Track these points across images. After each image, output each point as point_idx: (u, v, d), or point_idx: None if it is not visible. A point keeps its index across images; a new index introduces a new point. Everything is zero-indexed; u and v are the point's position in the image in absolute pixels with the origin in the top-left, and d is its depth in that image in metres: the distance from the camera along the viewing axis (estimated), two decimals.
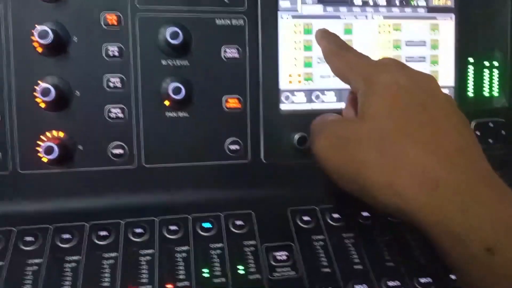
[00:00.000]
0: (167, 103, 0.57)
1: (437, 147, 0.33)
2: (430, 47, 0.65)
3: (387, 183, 0.33)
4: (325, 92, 0.62)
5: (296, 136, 0.59)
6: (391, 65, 0.40)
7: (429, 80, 0.38)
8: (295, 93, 0.62)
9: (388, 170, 0.33)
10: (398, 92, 0.36)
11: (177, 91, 0.55)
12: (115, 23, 0.56)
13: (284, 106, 0.61)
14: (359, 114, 0.38)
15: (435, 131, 0.34)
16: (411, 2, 0.63)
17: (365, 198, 0.36)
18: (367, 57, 0.42)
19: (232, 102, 0.59)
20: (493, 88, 0.67)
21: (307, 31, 0.61)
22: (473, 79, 0.66)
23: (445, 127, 0.34)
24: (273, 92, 0.60)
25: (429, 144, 0.33)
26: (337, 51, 0.44)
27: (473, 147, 0.34)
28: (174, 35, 0.54)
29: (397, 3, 0.63)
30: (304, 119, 0.60)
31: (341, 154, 0.37)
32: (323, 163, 0.40)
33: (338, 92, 0.63)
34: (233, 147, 0.59)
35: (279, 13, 0.60)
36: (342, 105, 0.63)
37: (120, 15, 0.56)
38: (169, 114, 0.58)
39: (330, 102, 0.62)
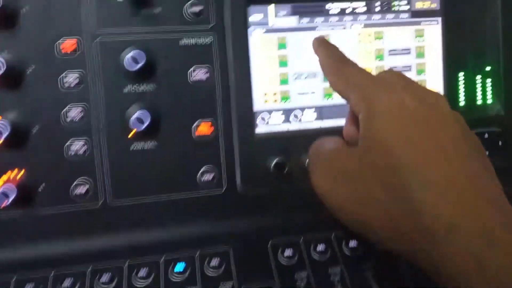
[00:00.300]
0: (132, 133, 0.52)
1: (447, 186, 0.29)
2: (416, 55, 0.60)
3: (393, 228, 0.31)
4: (304, 110, 0.58)
5: (273, 161, 0.55)
6: (395, 82, 0.36)
7: (438, 100, 0.34)
8: (272, 113, 0.57)
9: (396, 214, 0.30)
10: (403, 116, 0.32)
11: (139, 121, 0.50)
12: (73, 50, 0.51)
13: (260, 129, 0.57)
14: (360, 142, 0.34)
15: (446, 166, 0.30)
16: (393, 7, 0.59)
17: (369, 236, 0.33)
18: (367, 73, 0.38)
19: (202, 128, 0.54)
20: (486, 95, 0.62)
21: (282, 46, 0.56)
22: (464, 87, 0.62)
23: (457, 158, 0.30)
24: (247, 114, 0.56)
25: (439, 184, 0.29)
26: (335, 65, 0.40)
27: (487, 179, 0.31)
28: (134, 60, 0.49)
29: (378, 9, 0.58)
30: (282, 142, 0.56)
31: (342, 190, 0.34)
32: (323, 199, 0.36)
33: (319, 110, 0.58)
34: (206, 176, 0.55)
35: (250, 28, 0.55)
36: (323, 123, 0.58)
37: (78, 40, 0.51)
38: (136, 145, 0.53)
39: (309, 121, 0.58)
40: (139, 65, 0.49)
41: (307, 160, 0.40)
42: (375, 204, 0.32)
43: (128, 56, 0.49)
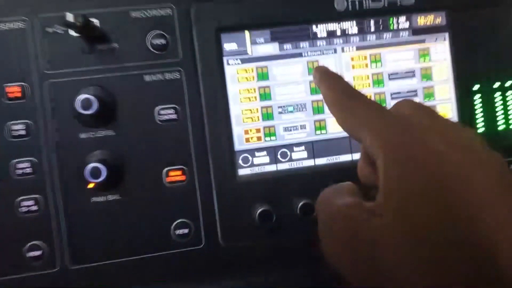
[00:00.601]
0: (91, 185, 0.45)
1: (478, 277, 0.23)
2: (421, 77, 0.52)
3: None
4: (294, 147, 0.50)
5: (259, 210, 0.47)
6: (416, 118, 0.29)
7: (472, 141, 0.28)
8: (256, 153, 0.49)
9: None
10: (429, 164, 0.26)
11: (94, 175, 0.43)
12: (19, 95, 0.45)
13: (243, 171, 0.49)
14: (379, 198, 0.27)
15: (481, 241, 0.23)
16: (390, 25, 0.51)
17: None
18: (382, 107, 0.31)
19: (174, 175, 0.47)
20: (509, 118, 0.53)
21: (262, 76, 0.49)
22: (481, 110, 0.53)
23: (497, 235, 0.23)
24: (227, 156, 0.48)
25: (469, 277, 0.23)
26: (342, 99, 0.32)
27: None
28: (86, 104, 0.43)
29: (372, 29, 0.51)
30: (269, 185, 0.48)
31: (357, 259, 0.27)
32: (334, 265, 0.28)
33: (310, 146, 0.50)
34: (181, 231, 0.47)
35: (225, 59, 0.48)
36: (316, 161, 0.50)
37: (25, 84, 0.45)
38: (96, 198, 0.46)
39: (300, 159, 0.50)
40: (91, 111, 0.43)
41: (315, 213, 0.31)
42: (395, 282, 0.24)
43: (79, 98, 0.43)
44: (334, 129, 0.50)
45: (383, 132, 0.28)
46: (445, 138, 0.27)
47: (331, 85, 0.34)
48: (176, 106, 0.47)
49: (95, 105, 0.43)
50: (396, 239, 0.24)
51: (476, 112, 0.53)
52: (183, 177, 0.47)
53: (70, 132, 0.46)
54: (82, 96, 0.43)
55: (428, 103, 0.52)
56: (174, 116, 0.47)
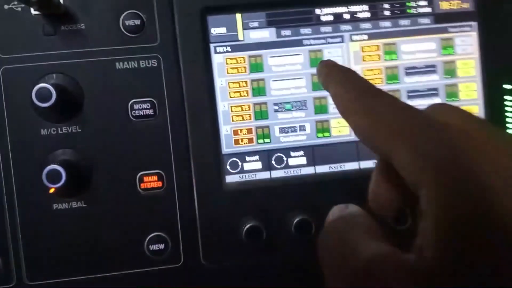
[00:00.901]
0: (52, 190, 0.38)
1: None
2: (443, 73, 0.44)
3: None
4: (291, 152, 0.43)
5: (246, 226, 0.39)
6: (459, 126, 0.21)
7: None
8: (246, 157, 0.42)
9: None
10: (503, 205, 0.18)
11: (51, 179, 0.37)
12: None
13: (231, 178, 0.42)
14: (429, 252, 0.17)
15: None
16: (408, 9, 0.43)
17: None
18: (411, 109, 0.22)
19: (149, 181, 0.40)
20: None
21: (256, 67, 0.42)
22: None
23: None
24: (213, 160, 0.41)
25: None
26: (358, 100, 0.23)
27: None
28: (43, 95, 0.36)
29: (387, 13, 0.43)
30: (261, 196, 0.41)
31: None
32: None
33: (310, 151, 0.43)
34: (156, 246, 0.40)
35: (212, 45, 0.41)
36: (317, 169, 0.43)
37: None
38: (58, 205, 0.40)
39: (298, 166, 0.43)
40: (49, 103, 0.36)
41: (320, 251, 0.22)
42: None
43: (35, 88, 0.36)
44: (339, 131, 0.43)
45: (431, 148, 0.19)
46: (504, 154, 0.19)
47: (344, 82, 0.25)
48: (153, 100, 0.40)
49: (54, 97, 0.36)
50: None
51: (508, 116, 0.45)
52: (159, 184, 0.40)
53: (30, 127, 0.39)
54: (39, 86, 0.36)
55: (451, 103, 0.44)
56: (150, 112, 0.40)
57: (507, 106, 0.45)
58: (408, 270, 0.17)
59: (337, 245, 0.21)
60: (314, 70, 0.42)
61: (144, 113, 0.40)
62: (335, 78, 0.26)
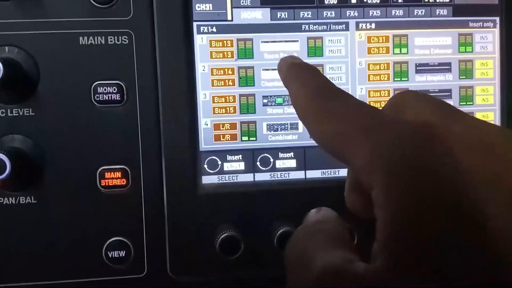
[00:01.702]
0: None
1: None
2: (459, 73, 0.39)
3: None
4: (279, 153, 0.37)
5: (222, 235, 0.34)
6: (432, 121, 0.20)
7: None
8: (228, 156, 0.37)
9: None
10: (460, 201, 0.17)
11: None
12: None
13: (209, 179, 0.37)
14: (379, 261, 0.17)
15: None
16: None
17: None
18: (377, 111, 0.21)
19: (112, 177, 0.35)
20: None
21: (245, 53, 0.36)
22: None
23: None
24: (188, 157, 0.36)
25: None
26: (319, 102, 0.22)
27: None
28: None
29: (400, 0, 0.37)
30: (242, 202, 0.36)
31: None
32: None
33: (301, 153, 0.37)
34: (116, 253, 0.35)
35: (194, 24, 0.35)
36: (308, 174, 0.37)
37: None
38: (2, 200, 0.34)
39: (287, 169, 0.37)
40: None
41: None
42: None
43: None
44: None
45: (384, 148, 0.18)
46: (489, 160, 0.18)
47: (302, 82, 0.24)
48: (121, 83, 0.34)
49: (1, 72, 0.30)
50: None
51: None
52: (123, 181, 0.35)
53: None
54: None
55: (465, 108, 0.39)
56: (117, 97, 0.34)
57: None
58: (358, 279, 0.17)
59: (297, 253, 0.20)
60: (312, 60, 0.37)
61: (110, 98, 0.34)
62: (295, 76, 0.25)
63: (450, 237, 0.16)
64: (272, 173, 0.37)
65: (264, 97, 0.37)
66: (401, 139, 0.18)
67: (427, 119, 0.20)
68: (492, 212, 0.16)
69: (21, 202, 0.34)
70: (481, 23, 0.39)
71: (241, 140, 0.37)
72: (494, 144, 0.18)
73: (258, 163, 0.37)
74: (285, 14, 0.36)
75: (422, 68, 0.38)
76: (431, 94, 0.22)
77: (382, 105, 0.38)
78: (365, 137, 0.19)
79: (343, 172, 0.38)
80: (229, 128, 0.37)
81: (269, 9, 0.36)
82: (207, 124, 0.36)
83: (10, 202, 0.34)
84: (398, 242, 0.17)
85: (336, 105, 0.22)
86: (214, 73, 0.36)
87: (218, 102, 0.36)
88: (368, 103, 0.37)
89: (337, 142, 0.21)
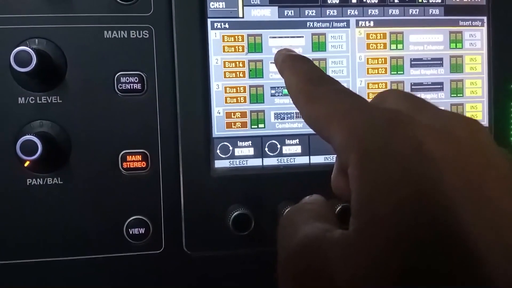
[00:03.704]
0: (26, 163, 0.36)
1: None
2: (450, 68, 0.42)
3: None
4: (286, 140, 0.40)
5: (233, 214, 0.37)
6: (405, 113, 0.22)
7: (476, 135, 0.21)
8: (238, 142, 0.40)
9: None
10: (424, 179, 0.19)
11: (29, 148, 0.34)
12: None
13: (221, 163, 0.40)
14: (350, 227, 0.20)
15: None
16: None
17: None
18: (359, 98, 0.24)
19: (133, 160, 0.38)
20: None
21: (254, 47, 0.39)
22: None
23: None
24: (202, 142, 0.39)
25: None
26: (307, 86, 0.25)
27: None
28: (22, 59, 0.33)
29: (397, 0, 0.41)
30: (251, 184, 0.39)
31: None
32: None
33: (306, 140, 0.40)
34: (136, 230, 0.38)
35: (209, 20, 0.39)
36: (312, 159, 0.41)
37: None
38: (32, 181, 0.37)
39: (293, 155, 0.40)
40: (31, 66, 0.33)
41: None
42: None
43: (14, 52, 0.33)
44: None
45: (359, 129, 0.21)
46: (445, 136, 0.20)
47: (296, 70, 0.27)
48: (142, 74, 0.37)
49: (34, 61, 0.33)
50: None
51: None
52: (143, 164, 0.38)
53: (6, 94, 0.36)
54: (19, 49, 0.33)
55: (455, 100, 0.42)
56: (138, 86, 0.37)
57: None
58: (332, 243, 0.19)
59: (286, 226, 0.23)
60: (316, 55, 0.40)
61: (131, 87, 0.37)
62: (288, 65, 0.27)
63: (413, 210, 0.17)
64: (279, 158, 0.40)
65: (272, 88, 0.40)
66: (373, 123, 0.20)
67: (398, 108, 0.22)
68: (448, 184, 0.18)
69: (48, 183, 0.37)
70: (470, 22, 0.43)
71: (251, 128, 0.40)
72: (450, 127, 0.20)
73: (266, 149, 0.40)
74: (291, 12, 0.40)
75: (416, 62, 0.42)
76: (410, 92, 0.25)
77: None
78: (344, 119, 0.21)
79: None
80: (239, 116, 0.40)
81: (277, 7, 0.39)
82: (219, 113, 0.39)
83: (38, 183, 0.37)
84: (366, 210, 0.18)
85: (323, 90, 0.24)
86: (226, 66, 0.39)
87: (230, 92, 0.39)
88: (366, 94, 0.41)
89: (321, 122, 0.23)
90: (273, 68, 0.40)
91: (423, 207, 0.17)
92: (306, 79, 0.25)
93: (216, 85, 0.39)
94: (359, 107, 0.22)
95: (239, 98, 0.40)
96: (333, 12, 0.40)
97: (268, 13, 0.39)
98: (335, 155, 0.27)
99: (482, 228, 0.17)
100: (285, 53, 0.29)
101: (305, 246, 0.20)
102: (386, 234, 0.18)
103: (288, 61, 0.28)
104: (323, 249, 0.19)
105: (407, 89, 0.42)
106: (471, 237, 0.17)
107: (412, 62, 0.42)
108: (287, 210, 0.25)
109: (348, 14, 0.40)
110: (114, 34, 0.37)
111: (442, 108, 0.23)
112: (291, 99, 0.25)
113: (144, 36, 0.37)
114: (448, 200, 0.17)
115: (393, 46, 0.41)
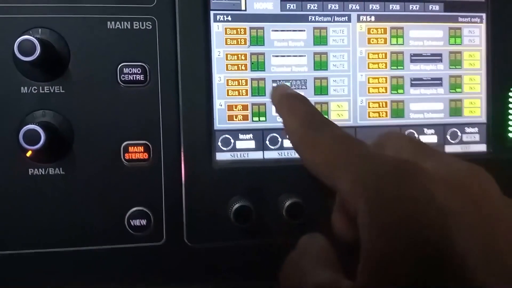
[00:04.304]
0: (29, 153, 0.36)
1: None
2: (449, 63, 0.43)
3: None
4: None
5: (235, 205, 0.37)
6: (407, 157, 0.22)
7: (486, 183, 0.21)
8: (240, 135, 0.40)
9: None
10: (434, 229, 0.18)
11: (32, 138, 0.34)
12: None
13: (222, 156, 0.40)
14: (359, 276, 0.19)
15: None
16: None
17: None
18: (359, 143, 0.23)
19: (135, 152, 0.38)
20: None
21: (256, 40, 0.40)
22: None
23: None
24: (204, 134, 0.39)
25: None
26: (308, 133, 0.24)
27: None
28: (26, 48, 0.33)
29: None
30: (253, 176, 0.39)
31: None
32: None
33: None
34: (137, 221, 0.38)
35: (212, 13, 0.39)
36: None
37: None
38: (33, 170, 0.37)
39: (293, 148, 0.40)
40: (35, 55, 0.33)
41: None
42: None
43: (18, 40, 0.33)
44: (338, 115, 0.41)
45: (366, 178, 0.20)
46: (458, 192, 0.19)
47: (292, 112, 0.26)
48: (145, 65, 0.37)
49: (38, 51, 0.33)
50: None
51: (510, 113, 0.44)
52: (145, 155, 0.38)
53: (9, 84, 0.36)
54: (22, 38, 0.33)
55: (454, 95, 0.43)
56: (141, 77, 0.37)
57: (510, 102, 0.44)
58: None
59: (290, 276, 0.23)
60: (317, 49, 0.40)
61: (134, 78, 0.37)
62: (285, 106, 0.27)
63: (430, 267, 0.17)
64: (280, 151, 0.41)
65: (274, 81, 0.40)
66: (380, 173, 0.20)
67: (404, 157, 0.21)
68: (463, 239, 0.18)
69: (50, 173, 0.37)
70: (469, 18, 0.43)
71: (252, 121, 0.40)
72: (460, 178, 0.20)
73: (267, 142, 0.41)
74: (293, 6, 0.40)
75: (416, 58, 0.42)
76: (412, 136, 0.25)
77: (381, 90, 0.42)
78: (349, 169, 0.21)
79: None
80: (241, 109, 0.40)
81: (279, 0, 0.40)
82: (221, 105, 0.40)
83: (40, 173, 0.37)
84: (377, 264, 0.18)
85: (323, 137, 0.23)
86: (228, 58, 0.39)
87: (231, 85, 0.40)
88: (367, 89, 0.41)
89: (325, 171, 0.22)
90: (275, 61, 0.40)
91: (437, 264, 0.17)
92: (305, 123, 0.25)
93: (218, 78, 0.39)
94: (364, 154, 0.22)
95: (240, 91, 0.40)
96: (335, 7, 0.40)
97: (271, 6, 0.40)
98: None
99: (495, 284, 0.17)
100: (282, 92, 0.28)
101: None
102: None
103: (286, 101, 0.27)
104: None
105: (407, 83, 0.42)
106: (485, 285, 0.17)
107: (412, 58, 0.42)
108: (289, 254, 0.23)
109: (350, 8, 0.41)
110: (118, 25, 0.37)
111: (445, 152, 0.24)
112: (290, 141, 0.25)
113: (147, 27, 0.37)
114: (463, 258, 0.17)
115: (394, 41, 0.42)
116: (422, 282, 0.17)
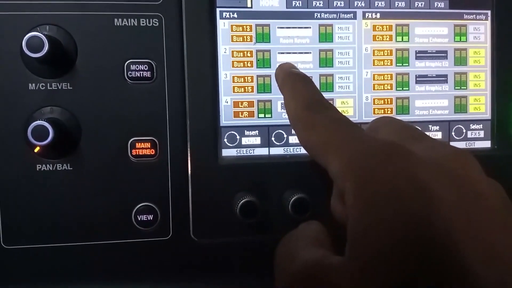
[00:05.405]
0: (37, 149, 0.36)
1: None
2: (454, 60, 0.43)
3: None
4: (292, 130, 0.41)
5: (241, 201, 0.38)
6: (398, 141, 0.22)
7: (468, 166, 0.21)
8: (246, 131, 0.40)
9: None
10: (417, 209, 0.19)
11: (40, 133, 0.34)
12: None
13: (228, 152, 0.40)
14: (346, 252, 0.20)
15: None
16: None
17: None
18: (354, 126, 0.25)
19: (142, 148, 0.38)
20: None
21: (262, 37, 0.40)
22: None
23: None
24: (210, 131, 0.39)
25: None
26: (306, 114, 0.26)
27: None
28: (34, 45, 0.34)
29: None
30: (259, 172, 0.40)
31: None
32: None
33: None
34: (144, 217, 0.38)
35: (218, 10, 0.39)
36: None
37: None
38: (41, 166, 0.37)
39: (299, 145, 0.41)
40: (43, 51, 0.33)
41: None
42: None
43: (26, 37, 0.33)
44: (343, 112, 0.41)
45: (355, 159, 0.21)
46: (438, 168, 0.20)
47: (298, 93, 0.27)
48: (151, 62, 0.38)
49: (46, 47, 0.34)
50: None
51: None
52: (152, 151, 0.38)
53: (17, 81, 0.36)
54: (31, 34, 0.34)
55: (458, 92, 0.43)
56: (147, 74, 0.38)
57: None
58: (331, 269, 0.19)
59: (284, 252, 0.23)
60: (323, 46, 0.40)
61: (141, 75, 0.38)
62: (289, 86, 0.28)
63: (407, 239, 0.18)
64: (285, 147, 0.41)
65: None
66: (368, 153, 0.21)
67: (393, 139, 0.22)
68: (440, 213, 0.18)
69: (57, 169, 0.37)
70: (474, 15, 0.43)
71: (258, 117, 0.40)
72: (444, 161, 0.21)
73: (273, 138, 0.41)
74: (299, 3, 0.40)
75: (421, 55, 0.42)
76: (404, 120, 0.26)
77: (386, 87, 0.42)
78: (341, 149, 0.22)
79: None
80: (247, 105, 0.40)
81: None
82: (227, 102, 0.40)
83: (48, 169, 0.37)
84: (362, 239, 0.19)
85: (320, 118, 0.24)
86: (234, 55, 0.40)
87: (237, 82, 0.40)
88: (372, 85, 0.42)
89: (318, 150, 0.23)
90: (280, 58, 0.40)
91: (417, 238, 0.18)
92: (306, 104, 0.26)
93: (224, 74, 0.40)
94: (355, 137, 0.22)
95: (246, 88, 0.40)
96: (341, 4, 0.40)
97: (277, 3, 0.40)
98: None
99: (476, 257, 0.17)
100: (287, 71, 0.29)
101: (304, 272, 0.21)
102: (381, 263, 0.18)
103: (290, 81, 0.28)
104: (321, 275, 0.20)
105: (412, 80, 0.42)
106: (466, 261, 0.17)
107: (417, 55, 0.42)
108: (284, 237, 0.24)
109: (355, 5, 0.41)
110: (124, 22, 0.37)
111: (434, 138, 0.24)
112: (289, 121, 0.26)
113: (154, 24, 0.38)
114: (442, 230, 0.18)
115: (399, 38, 0.42)
116: (405, 256, 0.18)
